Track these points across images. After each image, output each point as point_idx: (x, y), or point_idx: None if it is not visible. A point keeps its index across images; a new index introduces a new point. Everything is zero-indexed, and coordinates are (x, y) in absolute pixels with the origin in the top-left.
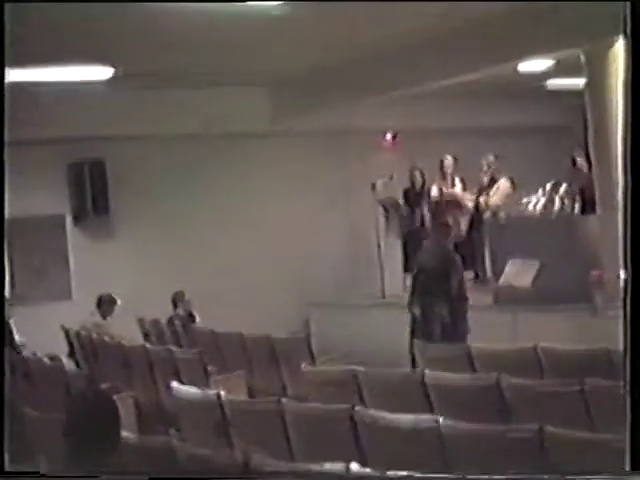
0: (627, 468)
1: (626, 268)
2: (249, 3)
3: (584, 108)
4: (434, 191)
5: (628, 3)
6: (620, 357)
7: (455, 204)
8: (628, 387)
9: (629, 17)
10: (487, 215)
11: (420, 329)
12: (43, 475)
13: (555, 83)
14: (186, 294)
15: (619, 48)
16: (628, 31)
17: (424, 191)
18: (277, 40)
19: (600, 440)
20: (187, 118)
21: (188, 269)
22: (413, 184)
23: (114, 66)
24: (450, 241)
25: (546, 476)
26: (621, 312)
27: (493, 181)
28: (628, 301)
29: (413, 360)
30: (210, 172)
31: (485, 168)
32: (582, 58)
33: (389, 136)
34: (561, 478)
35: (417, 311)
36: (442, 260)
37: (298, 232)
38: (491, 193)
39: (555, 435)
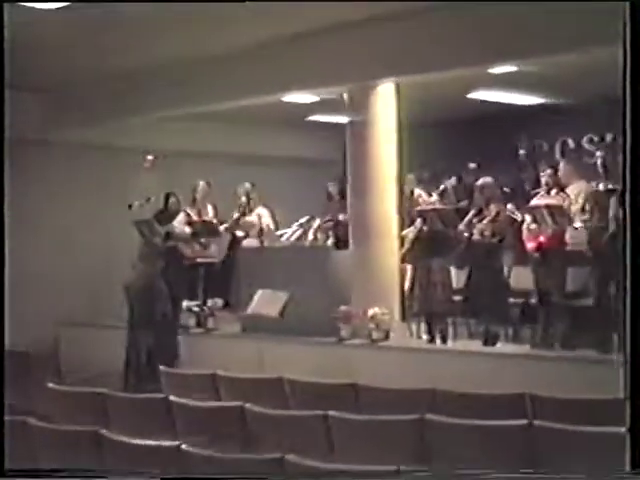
0: (627, 468)
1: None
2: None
3: (345, 144)
4: (181, 216)
5: (628, 3)
6: (367, 390)
7: (210, 229)
8: (628, 389)
9: (629, 17)
10: (243, 243)
11: (131, 354)
12: (43, 475)
13: (318, 117)
14: None
15: (381, 91)
16: (627, 31)
17: (177, 213)
18: (54, 45)
19: (337, 470)
20: None
21: None
22: (167, 206)
23: None
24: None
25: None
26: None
27: (249, 209)
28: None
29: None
30: None
31: (242, 196)
32: (345, 97)
33: (150, 157)
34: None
35: (130, 339)
36: (149, 285)
37: (54, 246)
38: (248, 221)
39: (294, 464)
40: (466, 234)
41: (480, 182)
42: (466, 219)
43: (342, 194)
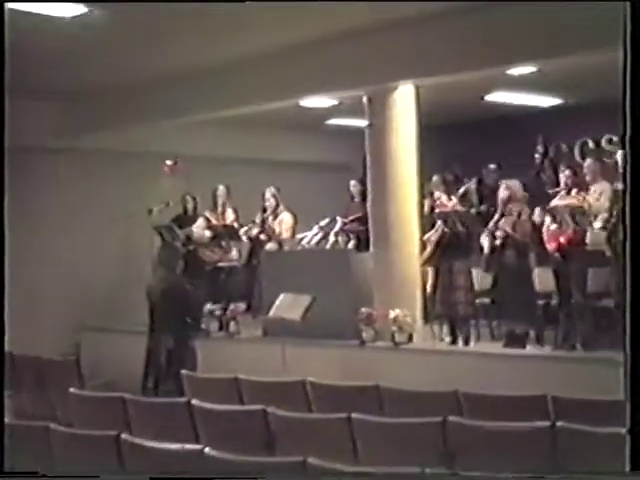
0: (627, 468)
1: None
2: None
3: (364, 146)
4: (200, 220)
5: (628, 3)
6: (390, 393)
7: (230, 233)
8: (628, 390)
9: (629, 17)
10: (267, 247)
11: (152, 357)
12: (43, 475)
13: (337, 121)
14: None
15: (400, 93)
16: (627, 31)
17: (196, 217)
18: (72, 54)
19: (360, 472)
20: None
21: None
22: (185, 210)
23: None
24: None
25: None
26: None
27: (274, 214)
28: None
29: (144, 389)
30: None
31: (270, 200)
32: (364, 100)
33: (169, 162)
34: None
35: (151, 342)
36: (172, 289)
37: (74, 252)
38: (274, 225)
39: (317, 467)
40: (490, 236)
41: (502, 183)
42: (492, 221)
43: (363, 196)
